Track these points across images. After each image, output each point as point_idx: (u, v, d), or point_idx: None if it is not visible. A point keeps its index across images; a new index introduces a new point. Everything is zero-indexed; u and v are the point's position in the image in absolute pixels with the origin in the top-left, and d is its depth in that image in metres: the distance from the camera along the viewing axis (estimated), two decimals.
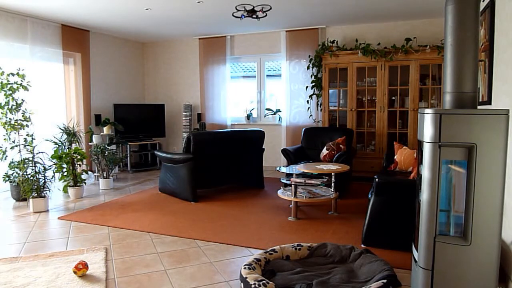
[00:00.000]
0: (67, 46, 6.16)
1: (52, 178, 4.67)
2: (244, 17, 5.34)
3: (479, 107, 2.95)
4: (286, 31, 6.67)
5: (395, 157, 4.61)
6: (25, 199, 4.74)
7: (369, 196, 3.29)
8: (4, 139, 4.68)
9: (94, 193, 5.28)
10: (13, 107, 4.64)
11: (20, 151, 4.71)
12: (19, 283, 2.55)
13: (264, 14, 5.33)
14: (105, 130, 6.57)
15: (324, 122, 6.27)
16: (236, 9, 5.38)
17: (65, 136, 5.30)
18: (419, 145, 2.11)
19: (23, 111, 4.75)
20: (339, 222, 3.88)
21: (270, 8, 5.36)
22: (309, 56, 6.47)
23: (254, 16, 5.32)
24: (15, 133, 4.72)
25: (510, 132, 1.98)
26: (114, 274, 2.72)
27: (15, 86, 4.65)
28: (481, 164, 1.87)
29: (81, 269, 2.64)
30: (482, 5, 3.27)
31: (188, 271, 2.75)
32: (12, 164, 4.66)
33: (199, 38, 7.36)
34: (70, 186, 4.99)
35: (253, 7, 5.12)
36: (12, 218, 4.11)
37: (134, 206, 4.55)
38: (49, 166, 4.59)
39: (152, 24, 6.29)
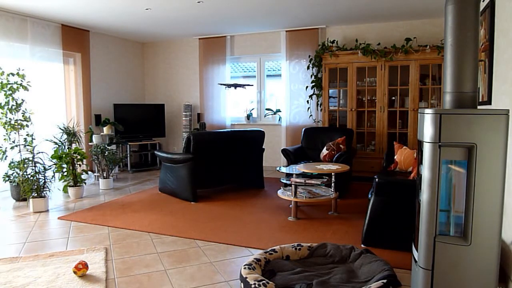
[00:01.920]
0: (67, 46, 6.16)
1: (52, 178, 4.67)
2: (229, 87, 6.32)
3: (479, 107, 2.95)
4: (286, 31, 6.67)
5: (395, 157, 4.61)
6: (25, 199, 4.74)
7: (369, 196, 3.30)
8: (4, 139, 4.68)
9: (94, 193, 5.28)
10: (13, 107, 4.64)
11: (20, 151, 4.71)
12: (19, 283, 2.55)
13: (247, 86, 6.35)
14: (105, 130, 6.57)
15: (324, 122, 6.27)
16: (220, 84, 6.50)
17: (65, 136, 5.30)
18: (419, 145, 2.11)
19: (23, 111, 4.75)
20: (339, 222, 3.88)
21: (252, 85, 6.43)
22: (309, 56, 6.47)
23: (237, 87, 6.31)
24: (15, 133, 4.72)
25: (510, 132, 1.98)
26: (114, 274, 2.72)
27: (15, 86, 4.65)
28: (481, 164, 1.87)
29: (81, 269, 2.64)
30: (482, 5, 3.27)
31: (188, 271, 2.75)
32: (12, 164, 4.66)
33: (199, 38, 7.36)
34: (70, 186, 4.99)
35: (237, 84, 6.26)
36: (12, 218, 4.11)
37: (134, 206, 4.55)
38: (49, 166, 4.59)
39: (152, 24, 6.30)
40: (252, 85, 6.54)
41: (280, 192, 4.30)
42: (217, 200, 4.83)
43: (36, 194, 4.37)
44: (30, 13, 5.41)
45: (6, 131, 4.65)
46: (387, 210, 3.13)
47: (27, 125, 4.77)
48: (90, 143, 6.29)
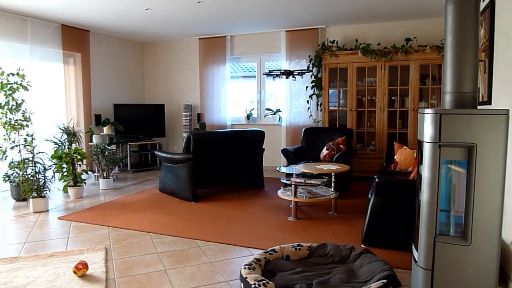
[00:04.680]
0: (67, 46, 6.16)
1: (52, 178, 4.67)
2: (278, 76, 5.37)
3: (479, 107, 2.94)
4: (286, 31, 6.67)
5: (395, 157, 4.61)
6: (25, 199, 4.74)
7: (369, 196, 3.29)
8: (4, 139, 4.68)
9: (94, 193, 5.27)
10: (13, 107, 4.64)
11: (20, 151, 4.71)
12: (19, 283, 2.55)
13: (301, 76, 5.36)
14: (105, 130, 6.57)
15: (324, 122, 6.27)
16: (269, 71, 5.47)
17: (65, 136, 5.30)
18: (419, 145, 2.11)
19: (23, 111, 4.75)
20: (339, 222, 3.88)
21: (309, 71, 5.52)
22: (309, 56, 6.47)
23: (289, 77, 5.40)
24: (15, 133, 4.72)
25: (510, 132, 1.98)
26: (114, 274, 2.72)
27: (15, 86, 4.65)
28: (481, 164, 1.87)
29: (81, 269, 2.64)
30: (482, 5, 3.27)
31: (188, 271, 2.75)
32: (12, 164, 4.66)
33: (199, 38, 7.36)
34: (70, 186, 4.99)
35: (290, 71, 5.15)
36: (12, 218, 4.11)
37: (134, 206, 4.55)
38: (49, 166, 4.59)
39: (152, 24, 6.29)
40: (311, 71, 5.90)
41: (280, 192, 4.30)
42: (217, 200, 4.83)
43: (36, 194, 4.37)
44: (30, 13, 5.40)
45: (6, 131, 4.65)
46: (387, 210, 3.13)
47: (27, 125, 4.77)
48: (90, 143, 6.29)
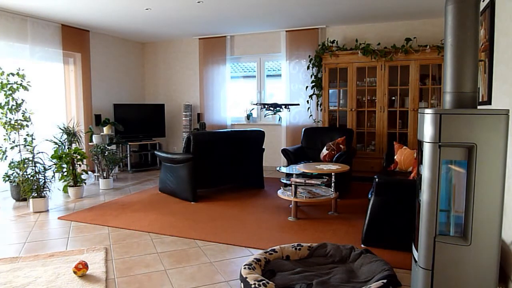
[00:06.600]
0: (67, 46, 6.16)
1: (52, 178, 4.67)
2: (266, 108, 5.53)
3: (479, 107, 2.94)
4: (286, 31, 6.67)
5: (395, 157, 4.61)
6: (25, 199, 4.74)
7: (369, 196, 3.30)
8: (4, 139, 4.68)
9: (94, 193, 5.27)
10: (13, 107, 4.64)
11: (20, 151, 4.72)
12: (19, 283, 2.55)
13: (288, 109, 5.45)
14: (105, 130, 6.57)
15: (324, 122, 6.27)
16: (256, 103, 5.53)
17: (65, 136, 5.30)
18: (419, 145, 2.11)
19: (23, 111, 4.75)
20: (339, 222, 3.88)
21: (296, 105, 5.64)
22: (309, 56, 6.47)
23: (276, 109, 5.52)
24: (15, 133, 4.72)
25: (510, 132, 1.98)
26: (114, 274, 2.72)
27: (15, 86, 4.65)
28: (481, 164, 1.87)
29: (81, 269, 2.64)
30: (482, 5, 3.27)
31: (188, 271, 2.75)
32: (12, 164, 4.66)
33: (199, 38, 7.36)
34: (70, 186, 4.99)
35: (277, 104, 5.35)
36: (12, 218, 4.11)
37: (134, 206, 4.55)
38: (49, 166, 4.59)
39: (152, 24, 6.29)
40: (299, 104, 6.16)
41: (280, 192, 4.30)
42: (217, 200, 4.83)
43: (36, 194, 4.37)
44: (30, 13, 5.40)
45: (6, 131, 4.65)
46: (387, 210, 3.13)
47: (27, 125, 4.77)
48: (90, 143, 6.29)
